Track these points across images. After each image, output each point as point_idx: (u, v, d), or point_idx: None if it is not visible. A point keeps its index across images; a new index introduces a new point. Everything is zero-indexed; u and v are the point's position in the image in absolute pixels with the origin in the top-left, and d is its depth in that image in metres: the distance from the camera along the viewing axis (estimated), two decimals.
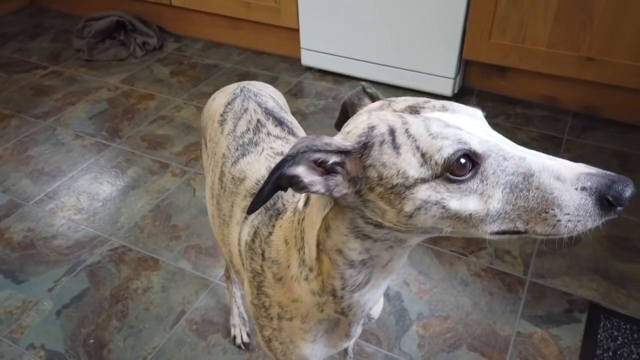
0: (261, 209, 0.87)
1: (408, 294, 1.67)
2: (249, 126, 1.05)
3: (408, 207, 0.61)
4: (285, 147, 1.01)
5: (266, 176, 0.91)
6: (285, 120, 1.09)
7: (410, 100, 0.68)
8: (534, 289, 1.67)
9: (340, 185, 0.63)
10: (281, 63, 3.05)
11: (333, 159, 0.62)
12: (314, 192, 0.63)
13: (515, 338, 1.54)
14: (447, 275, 1.73)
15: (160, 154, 2.35)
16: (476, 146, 0.59)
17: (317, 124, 2.49)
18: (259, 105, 1.10)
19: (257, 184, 0.93)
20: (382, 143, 0.61)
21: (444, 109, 0.65)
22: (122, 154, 2.35)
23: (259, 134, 1.02)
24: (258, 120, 1.06)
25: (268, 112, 1.09)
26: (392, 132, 0.61)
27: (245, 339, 1.53)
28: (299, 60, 2.96)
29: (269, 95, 1.17)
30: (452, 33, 2.43)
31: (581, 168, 0.60)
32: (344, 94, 2.71)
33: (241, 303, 1.59)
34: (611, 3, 2.10)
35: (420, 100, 0.67)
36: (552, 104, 2.55)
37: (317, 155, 0.62)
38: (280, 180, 0.61)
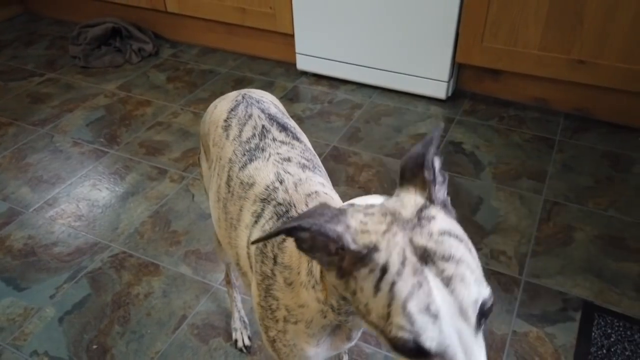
0: (273, 215, 0.91)
1: None
2: (254, 132, 1.07)
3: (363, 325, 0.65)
4: (290, 152, 1.03)
5: (275, 182, 0.94)
6: (289, 126, 1.12)
7: (424, 219, 0.62)
8: (529, 289, 1.71)
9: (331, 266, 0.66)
10: (277, 68, 3.08)
11: (336, 246, 0.64)
12: (313, 259, 0.67)
13: (511, 337, 1.57)
14: None
15: (158, 160, 2.37)
16: (433, 346, 0.58)
17: (313, 127, 2.52)
18: (262, 111, 1.13)
19: (266, 189, 0.95)
20: (371, 271, 0.61)
21: (448, 282, 0.59)
22: (120, 161, 2.37)
23: (264, 140, 1.05)
24: (263, 126, 1.08)
25: (272, 118, 1.12)
26: (384, 270, 0.60)
27: (247, 342, 1.56)
28: (295, 65, 2.99)
29: (270, 101, 1.20)
30: (445, 37, 2.47)
31: None
32: (339, 98, 2.74)
33: (242, 307, 1.61)
34: (600, 7, 2.14)
35: (440, 249, 0.60)
36: (544, 106, 2.59)
37: (323, 238, 0.63)
38: (284, 233, 0.65)
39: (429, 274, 0.59)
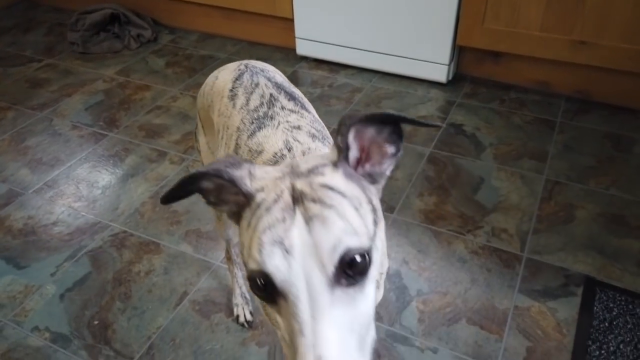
0: None
1: (407, 272, 1.70)
2: (262, 100, 1.06)
3: None
4: (300, 120, 1.02)
5: (283, 150, 0.93)
6: (297, 95, 1.11)
7: (311, 172, 0.64)
8: (530, 265, 1.70)
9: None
10: (276, 53, 3.07)
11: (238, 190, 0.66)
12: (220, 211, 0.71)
13: (513, 311, 1.57)
14: (445, 254, 1.76)
15: (158, 143, 2.36)
16: (277, 281, 0.57)
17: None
18: (269, 79, 1.12)
19: (274, 156, 0.93)
20: (250, 209, 0.64)
21: (309, 221, 0.58)
22: (119, 143, 2.36)
23: (273, 108, 1.04)
24: (271, 95, 1.07)
25: (279, 87, 1.10)
26: (258, 206, 0.62)
27: (249, 317, 1.55)
28: (294, 49, 2.97)
29: (275, 71, 1.20)
30: (446, 19, 2.46)
31: None
32: (339, 82, 2.74)
33: (243, 283, 1.61)
34: None
35: (317, 185, 0.61)
36: (545, 89, 2.58)
37: (222, 182, 0.66)
38: (185, 188, 0.68)
39: (297, 213, 0.59)
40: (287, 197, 0.61)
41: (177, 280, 1.70)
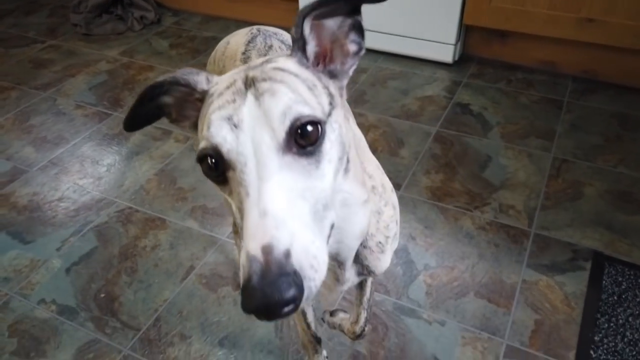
0: None
1: (414, 247, 1.69)
2: None
3: None
4: None
5: None
6: None
7: (264, 63, 0.64)
8: (538, 240, 1.70)
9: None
10: None
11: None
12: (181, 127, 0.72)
13: (521, 285, 1.56)
14: (453, 230, 1.75)
15: (162, 121, 2.32)
16: (224, 151, 0.58)
17: None
18: (283, 42, 1.11)
19: None
20: (205, 101, 0.64)
21: (259, 96, 0.59)
22: None
23: None
24: None
25: None
26: (211, 95, 0.63)
27: None
28: None
29: (288, 35, 1.18)
30: None
31: (256, 248, 0.50)
32: None
33: None
34: None
35: (269, 69, 0.61)
36: (552, 69, 2.56)
37: (180, 88, 0.67)
38: (145, 103, 0.68)
39: (248, 94, 0.59)
40: (239, 84, 0.61)
41: (184, 254, 1.70)
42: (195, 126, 0.68)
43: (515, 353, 1.39)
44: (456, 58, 2.65)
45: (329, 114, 0.61)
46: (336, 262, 0.84)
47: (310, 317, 1.21)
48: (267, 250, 0.50)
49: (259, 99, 0.58)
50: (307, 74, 0.63)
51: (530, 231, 1.73)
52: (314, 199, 0.57)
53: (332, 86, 0.66)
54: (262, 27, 1.18)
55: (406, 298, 1.53)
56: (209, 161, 0.59)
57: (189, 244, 1.74)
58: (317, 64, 0.66)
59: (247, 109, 0.58)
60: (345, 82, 0.69)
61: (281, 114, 0.56)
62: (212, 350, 1.42)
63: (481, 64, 2.66)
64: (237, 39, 1.17)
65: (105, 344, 1.44)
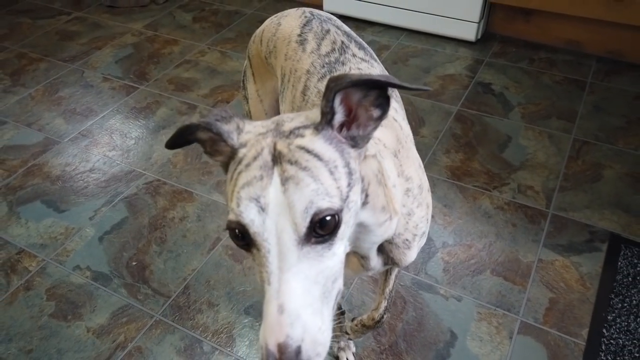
0: None
1: (433, 225, 1.73)
2: (333, 47, 1.08)
3: None
4: (370, 69, 1.03)
5: None
6: (365, 46, 1.13)
7: (292, 133, 0.65)
8: (555, 221, 1.73)
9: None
10: None
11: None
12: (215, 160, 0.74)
13: (537, 264, 1.60)
14: (471, 209, 1.79)
15: (187, 96, 2.39)
16: (251, 232, 0.62)
17: None
18: (338, 28, 1.14)
19: None
20: (234, 163, 0.67)
21: (285, 182, 0.62)
22: (150, 96, 2.40)
23: (344, 55, 1.06)
24: (342, 42, 1.09)
25: (349, 35, 1.13)
26: (239, 162, 0.65)
27: None
28: (321, 6, 2.95)
29: (340, 21, 1.21)
30: None
31: (272, 342, 0.59)
32: (366, 40, 2.72)
33: None
34: None
35: (295, 147, 0.64)
36: (576, 49, 2.54)
37: (213, 135, 0.69)
38: (183, 137, 0.72)
39: (275, 173, 0.62)
40: (266, 156, 0.63)
41: (210, 226, 1.76)
42: (225, 166, 0.71)
43: (530, 329, 1.44)
44: (479, 36, 2.64)
45: (347, 197, 0.65)
46: (358, 254, 0.88)
47: None
48: (282, 349, 0.58)
49: (284, 184, 0.61)
50: (331, 152, 0.65)
51: (548, 212, 1.76)
52: (325, 279, 0.64)
53: (353, 157, 0.68)
54: (314, 11, 1.20)
55: (424, 274, 1.59)
56: (237, 232, 0.64)
57: (215, 216, 1.80)
58: (340, 130, 0.68)
59: (274, 192, 0.61)
60: (364, 147, 0.70)
61: (304, 210, 0.60)
62: (238, 318, 1.50)
63: (504, 42, 2.65)
64: (289, 21, 1.19)
65: (138, 309, 1.53)
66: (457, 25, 2.61)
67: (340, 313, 1.32)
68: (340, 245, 0.66)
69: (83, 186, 1.94)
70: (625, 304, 1.47)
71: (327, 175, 0.63)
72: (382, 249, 0.90)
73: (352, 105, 0.67)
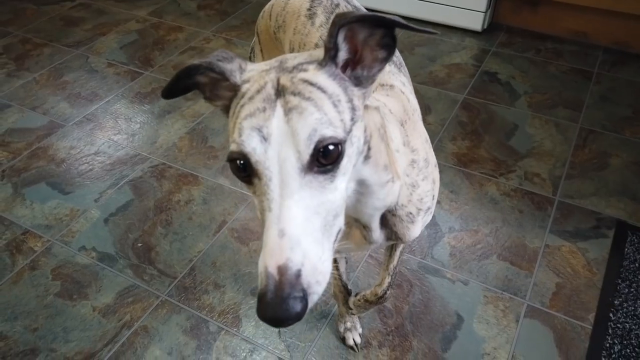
0: None
1: (439, 210, 1.73)
2: None
3: None
4: None
5: None
6: None
7: (295, 68, 0.65)
8: (562, 208, 1.73)
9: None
10: None
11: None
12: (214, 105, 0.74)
13: (544, 250, 1.60)
14: (478, 195, 1.79)
15: None
16: (253, 161, 0.61)
17: None
18: (348, 2, 1.14)
19: None
20: (236, 98, 0.66)
21: (288, 112, 0.61)
22: (155, 81, 2.39)
23: None
24: None
25: (358, 10, 1.12)
26: (242, 96, 0.65)
27: None
28: None
29: None
30: None
31: (273, 264, 0.58)
32: None
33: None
34: None
35: (299, 80, 0.63)
36: (583, 40, 2.54)
37: (214, 75, 0.69)
38: (182, 81, 0.71)
39: (278, 105, 0.62)
40: (269, 89, 0.63)
41: (216, 209, 1.76)
42: (226, 109, 0.71)
43: (536, 313, 1.44)
44: (485, 26, 2.63)
45: (350, 131, 0.64)
46: (360, 224, 0.88)
47: (342, 267, 1.27)
48: (282, 271, 0.57)
49: (287, 114, 0.61)
50: (334, 87, 0.65)
51: (555, 199, 1.76)
52: (326, 212, 0.63)
53: (357, 95, 0.68)
54: None
55: (430, 258, 1.59)
56: (238, 163, 0.64)
57: (220, 199, 1.80)
58: (345, 69, 0.68)
59: (276, 122, 0.61)
60: (369, 87, 0.70)
61: (307, 137, 0.60)
62: (244, 299, 1.49)
63: (510, 32, 2.64)
64: None
65: (144, 290, 1.52)
66: (463, 15, 2.60)
67: (346, 293, 1.32)
68: (342, 181, 0.65)
69: (88, 169, 1.93)
70: (632, 289, 1.47)
71: (330, 106, 0.63)
72: (385, 223, 0.90)
73: (357, 45, 0.67)
